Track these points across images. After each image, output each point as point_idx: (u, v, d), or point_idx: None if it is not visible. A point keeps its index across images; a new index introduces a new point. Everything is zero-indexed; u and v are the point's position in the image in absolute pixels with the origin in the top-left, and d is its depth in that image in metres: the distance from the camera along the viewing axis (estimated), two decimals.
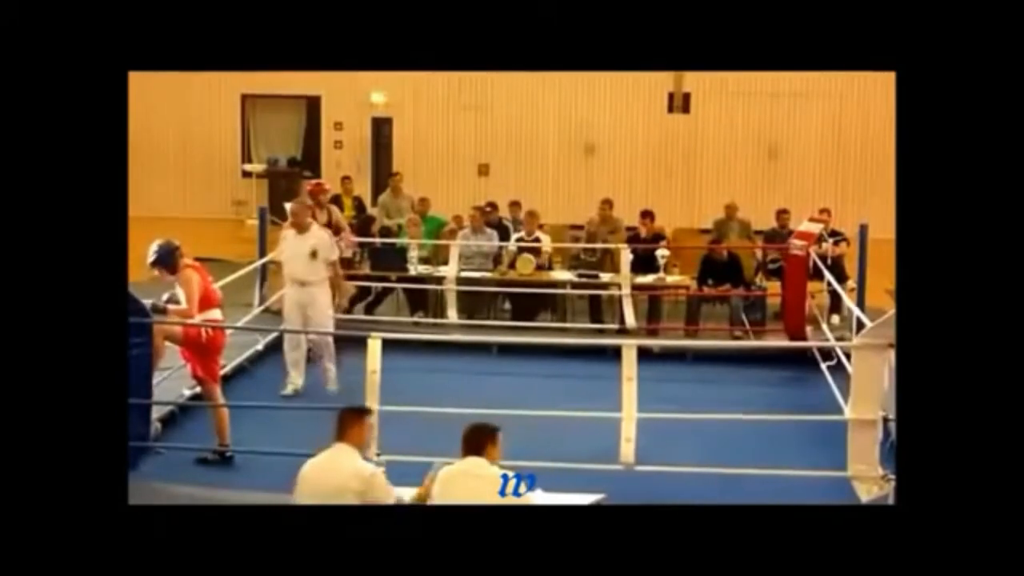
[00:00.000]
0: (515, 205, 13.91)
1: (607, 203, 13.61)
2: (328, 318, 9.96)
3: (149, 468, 7.76)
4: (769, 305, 12.47)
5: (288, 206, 10.09)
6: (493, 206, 13.43)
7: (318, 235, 9.85)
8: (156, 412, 8.47)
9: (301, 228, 9.78)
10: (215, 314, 8.30)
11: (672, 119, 19.42)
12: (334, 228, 11.07)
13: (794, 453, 7.90)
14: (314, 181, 12.17)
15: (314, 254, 9.68)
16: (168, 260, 8.10)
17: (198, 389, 8.58)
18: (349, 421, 5.64)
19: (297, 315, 9.79)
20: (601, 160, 19.44)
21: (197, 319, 8.09)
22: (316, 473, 5.48)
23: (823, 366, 10.09)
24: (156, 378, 8.38)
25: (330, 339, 9.81)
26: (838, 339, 10.71)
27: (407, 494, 5.64)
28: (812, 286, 11.69)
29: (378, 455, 7.21)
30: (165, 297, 8.33)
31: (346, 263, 12.35)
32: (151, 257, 8.13)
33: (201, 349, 8.15)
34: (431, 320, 12.34)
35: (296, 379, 9.83)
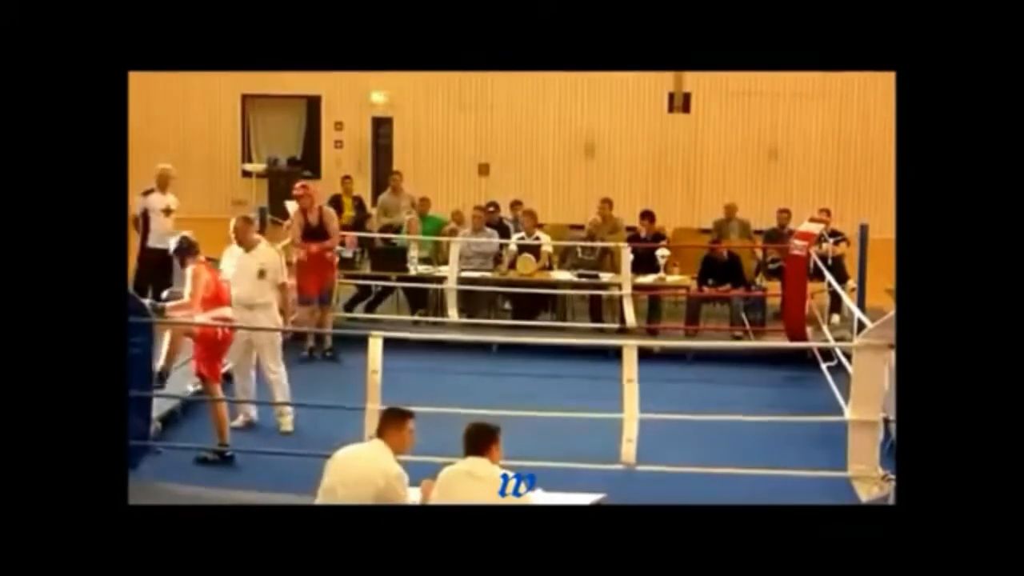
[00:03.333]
0: (516, 204, 13.92)
1: (607, 203, 13.61)
2: (276, 347, 8.99)
3: (149, 468, 7.76)
4: (769, 305, 12.47)
5: (231, 222, 9.15)
6: (495, 206, 13.44)
7: (266, 253, 9.02)
8: (156, 411, 8.47)
9: (247, 245, 8.95)
10: (225, 312, 8.32)
11: (672, 119, 19.43)
12: (323, 230, 10.87)
13: (794, 453, 7.90)
14: (298, 184, 11.75)
15: (261, 273, 8.85)
16: (183, 253, 8.33)
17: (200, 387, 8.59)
18: (388, 422, 5.55)
19: (242, 344, 8.81)
20: (601, 160, 19.45)
21: (206, 317, 8.12)
22: (349, 459, 5.45)
23: (823, 366, 10.09)
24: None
25: (284, 379, 8.92)
26: (838, 339, 10.70)
27: (409, 494, 5.63)
28: (812, 286, 11.69)
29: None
30: (165, 295, 8.38)
31: (347, 263, 12.36)
32: (171, 247, 8.43)
33: (214, 346, 8.20)
34: (431, 319, 12.34)
35: (248, 409, 9.01)
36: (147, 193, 12.08)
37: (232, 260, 8.91)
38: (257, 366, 9.00)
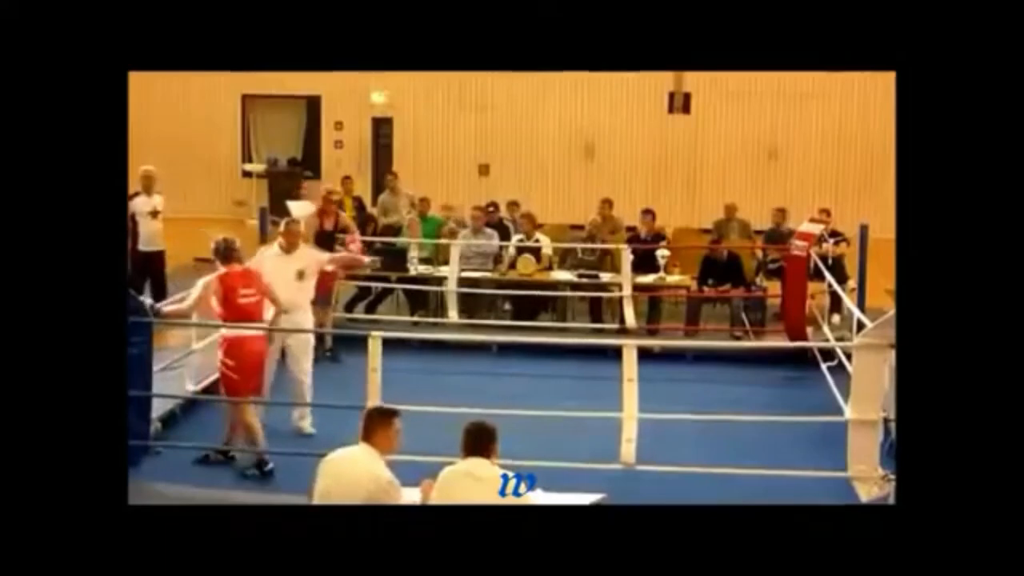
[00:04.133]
0: (513, 205, 13.93)
1: (607, 203, 13.62)
2: (311, 350, 8.88)
3: (149, 468, 7.76)
4: (769, 305, 12.47)
5: (284, 224, 9.06)
6: (495, 206, 13.45)
7: (306, 253, 9.05)
8: (156, 411, 8.47)
9: (292, 248, 8.91)
10: (244, 333, 8.02)
11: (672, 119, 19.42)
12: (343, 230, 11.08)
13: (794, 453, 7.91)
14: (324, 188, 11.85)
15: (300, 275, 8.79)
16: (217, 255, 8.18)
17: (202, 384, 8.58)
18: (373, 423, 5.42)
19: (276, 347, 8.66)
20: (601, 160, 19.45)
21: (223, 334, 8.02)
22: (339, 466, 5.39)
23: (823, 366, 10.09)
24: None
25: (308, 381, 8.81)
26: (838, 339, 10.71)
27: (408, 494, 5.62)
28: (812, 286, 11.70)
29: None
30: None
31: None
32: (211, 246, 8.30)
33: (242, 368, 7.97)
34: (431, 319, 12.34)
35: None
36: (132, 196, 11.98)
37: (267, 264, 8.65)
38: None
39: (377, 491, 5.25)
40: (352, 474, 5.31)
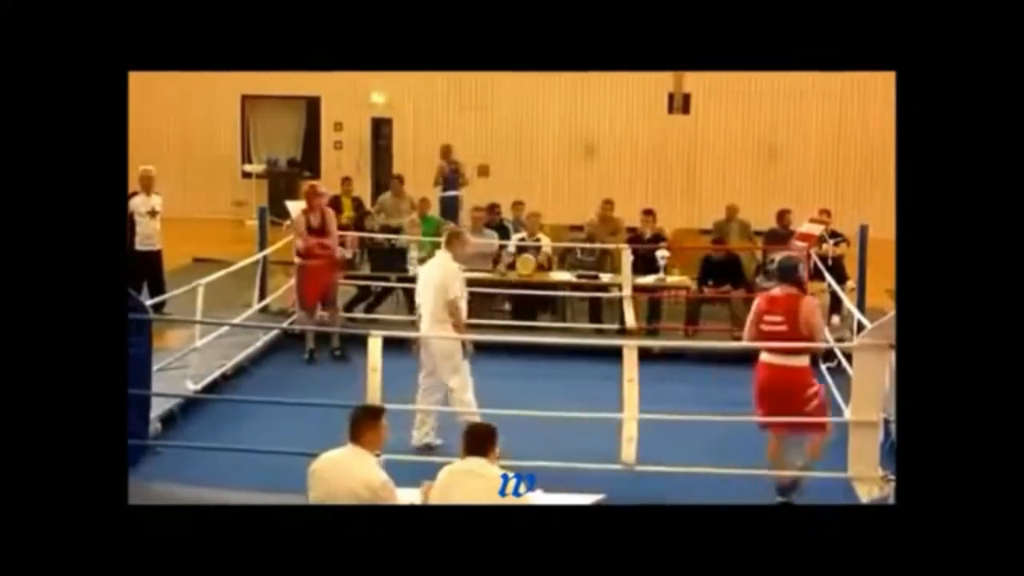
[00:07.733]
0: (518, 205, 13.92)
1: (608, 203, 13.61)
2: (466, 393, 8.26)
3: (149, 468, 7.75)
4: None
5: (465, 235, 8.63)
6: (495, 207, 13.44)
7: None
8: (156, 411, 8.46)
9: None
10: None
11: (672, 119, 19.43)
12: (325, 230, 11.00)
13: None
14: (316, 186, 11.67)
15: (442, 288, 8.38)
16: (794, 272, 7.68)
17: (202, 384, 8.52)
18: (363, 423, 5.42)
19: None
20: (601, 160, 19.45)
21: None
22: (329, 473, 5.38)
23: (823, 367, 10.08)
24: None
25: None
26: (838, 340, 10.70)
27: (407, 495, 5.63)
28: (812, 287, 11.67)
29: (377, 454, 7.19)
30: None
31: (347, 264, 12.36)
32: (776, 266, 7.82)
33: None
34: None
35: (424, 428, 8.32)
36: (130, 196, 11.94)
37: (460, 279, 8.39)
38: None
39: (372, 497, 5.24)
40: (345, 485, 5.29)
